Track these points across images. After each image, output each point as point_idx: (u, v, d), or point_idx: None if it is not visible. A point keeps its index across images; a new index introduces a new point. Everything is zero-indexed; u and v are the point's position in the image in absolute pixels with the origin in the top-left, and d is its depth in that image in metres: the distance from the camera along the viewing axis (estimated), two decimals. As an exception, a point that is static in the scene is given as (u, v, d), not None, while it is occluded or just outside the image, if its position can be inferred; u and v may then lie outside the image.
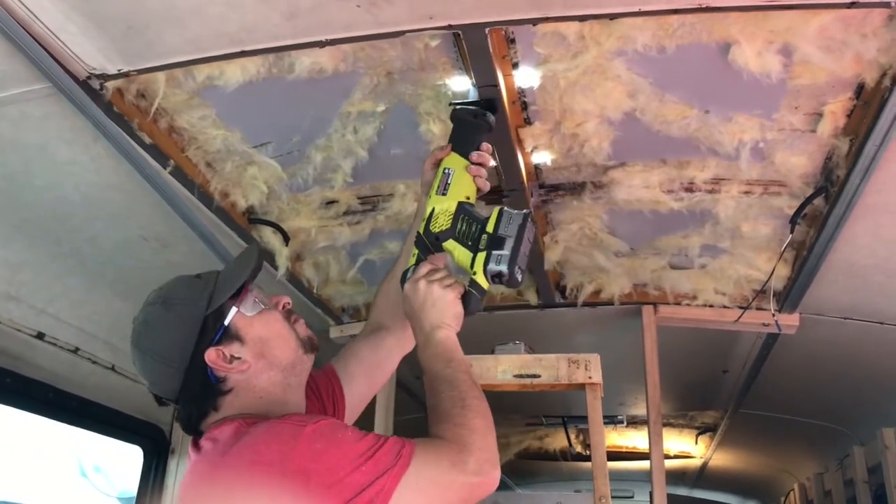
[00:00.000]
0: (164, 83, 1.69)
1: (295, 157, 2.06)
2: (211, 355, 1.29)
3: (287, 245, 2.36)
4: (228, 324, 1.31)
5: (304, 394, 1.42)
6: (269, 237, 2.33)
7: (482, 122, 1.60)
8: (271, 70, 1.68)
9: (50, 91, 1.58)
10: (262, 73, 1.68)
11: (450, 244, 1.46)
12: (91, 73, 1.56)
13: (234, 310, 1.32)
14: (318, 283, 2.66)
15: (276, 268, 2.39)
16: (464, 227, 1.46)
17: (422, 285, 1.40)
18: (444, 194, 1.50)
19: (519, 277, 1.39)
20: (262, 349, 1.33)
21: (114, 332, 2.52)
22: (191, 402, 1.32)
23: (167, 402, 1.35)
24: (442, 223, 1.47)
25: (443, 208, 1.49)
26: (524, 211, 1.44)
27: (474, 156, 1.55)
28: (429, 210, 1.51)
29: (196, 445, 1.31)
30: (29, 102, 1.63)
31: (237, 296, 1.34)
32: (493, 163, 1.87)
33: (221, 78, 1.67)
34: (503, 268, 1.38)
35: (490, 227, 1.42)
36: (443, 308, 1.38)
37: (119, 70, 1.57)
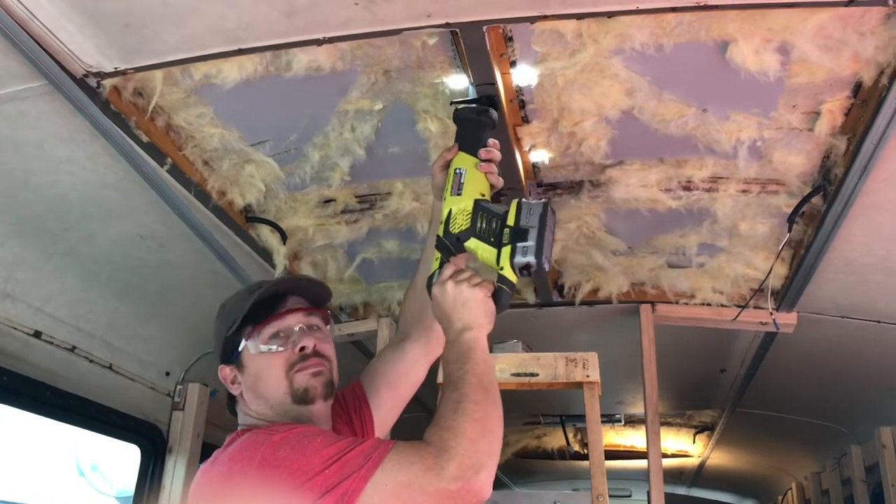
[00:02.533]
0: (162, 81, 1.69)
1: (292, 156, 2.05)
2: (223, 371, 1.44)
3: (285, 244, 2.36)
4: (241, 350, 1.43)
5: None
6: (267, 236, 2.32)
7: (486, 119, 1.59)
8: (269, 68, 1.68)
9: (47, 89, 1.57)
10: (260, 71, 1.68)
11: (472, 243, 1.44)
12: (88, 71, 1.56)
13: (243, 342, 1.42)
14: (315, 281, 2.65)
15: (273, 266, 2.39)
16: (484, 224, 1.44)
17: (450, 287, 1.37)
18: (458, 194, 1.49)
19: (546, 267, 1.38)
20: (254, 384, 1.42)
21: (111, 331, 2.52)
22: (228, 407, 1.48)
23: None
24: (461, 223, 1.46)
25: (460, 208, 1.47)
26: (542, 200, 1.43)
27: (483, 153, 1.53)
28: (446, 212, 1.49)
29: None
30: (26, 100, 1.62)
31: (259, 324, 1.41)
32: None
33: (219, 76, 1.67)
34: (530, 258, 1.36)
35: (511, 221, 1.40)
36: (474, 307, 1.36)
37: (116, 68, 1.57)
